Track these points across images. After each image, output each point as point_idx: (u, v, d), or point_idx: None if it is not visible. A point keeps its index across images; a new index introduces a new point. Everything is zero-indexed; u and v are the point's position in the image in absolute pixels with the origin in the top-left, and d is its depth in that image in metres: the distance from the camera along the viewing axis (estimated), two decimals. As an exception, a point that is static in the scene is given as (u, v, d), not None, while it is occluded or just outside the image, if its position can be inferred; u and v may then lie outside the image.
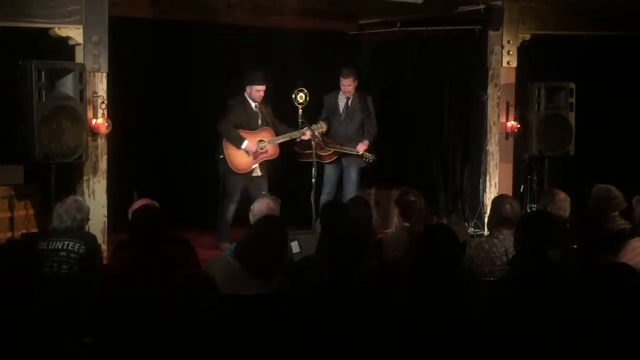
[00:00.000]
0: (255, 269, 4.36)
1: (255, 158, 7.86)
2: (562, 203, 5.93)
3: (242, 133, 7.84)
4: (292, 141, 8.11)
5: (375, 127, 8.52)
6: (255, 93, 7.87)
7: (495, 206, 5.31)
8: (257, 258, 4.39)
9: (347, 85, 8.36)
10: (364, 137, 8.41)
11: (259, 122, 7.97)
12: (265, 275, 4.35)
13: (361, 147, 8.28)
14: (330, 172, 8.44)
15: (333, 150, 8.27)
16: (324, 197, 8.18)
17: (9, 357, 3.25)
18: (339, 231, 4.49)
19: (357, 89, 8.45)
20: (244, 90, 7.93)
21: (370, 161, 8.28)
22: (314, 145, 7.83)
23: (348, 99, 8.46)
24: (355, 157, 8.34)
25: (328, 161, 8.33)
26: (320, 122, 8.16)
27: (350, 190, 8.36)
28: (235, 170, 7.83)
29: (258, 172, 7.93)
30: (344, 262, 3.87)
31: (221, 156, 7.85)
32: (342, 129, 8.39)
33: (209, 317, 3.30)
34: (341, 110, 8.47)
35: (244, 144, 7.80)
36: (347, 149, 8.29)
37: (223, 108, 7.96)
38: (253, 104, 7.94)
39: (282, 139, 7.90)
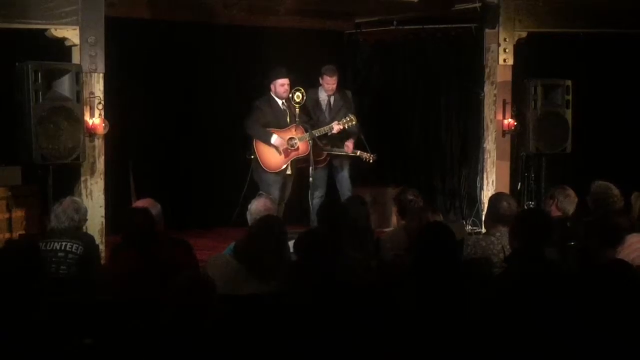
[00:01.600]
0: (254, 269, 4.36)
1: (286, 156, 7.80)
2: (571, 199, 5.98)
3: (273, 132, 7.79)
4: (323, 137, 8.00)
5: (358, 122, 8.22)
6: (280, 88, 7.79)
7: (493, 203, 5.33)
8: (255, 258, 4.39)
9: (332, 83, 8.17)
10: (349, 135, 8.20)
11: (288, 120, 7.88)
12: (264, 275, 4.35)
13: (349, 147, 8.15)
14: (320, 174, 8.13)
15: (326, 153, 8.15)
16: (316, 202, 7.90)
17: (9, 358, 3.26)
18: (313, 229, 4.52)
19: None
20: (269, 89, 7.87)
21: (371, 161, 8.16)
22: (311, 146, 7.79)
23: (330, 96, 8.27)
24: (345, 157, 8.23)
25: (322, 165, 8.11)
26: (350, 115, 8.01)
27: (346, 189, 8.26)
28: (267, 170, 7.78)
29: (289, 171, 7.87)
30: (320, 259, 3.90)
31: (252, 156, 7.79)
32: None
33: (208, 317, 3.30)
34: (324, 108, 8.28)
35: (273, 139, 7.73)
36: (341, 151, 8.16)
37: (250, 109, 7.89)
38: (280, 102, 7.87)
39: (312, 135, 7.77)
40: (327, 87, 8.21)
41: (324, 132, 7.91)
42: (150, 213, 4.87)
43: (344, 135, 8.16)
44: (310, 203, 7.78)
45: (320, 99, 8.29)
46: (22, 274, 3.49)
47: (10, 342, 3.26)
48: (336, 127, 7.93)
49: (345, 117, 8.00)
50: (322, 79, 8.22)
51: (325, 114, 8.25)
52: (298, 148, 7.83)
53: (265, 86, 7.97)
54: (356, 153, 8.16)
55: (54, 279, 4.83)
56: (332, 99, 8.30)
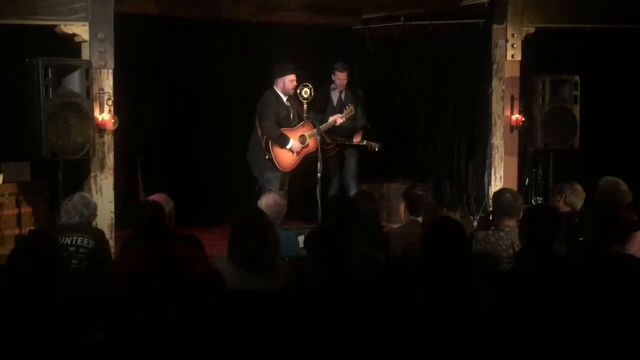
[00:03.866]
0: (247, 267, 4.27)
1: (298, 154, 7.91)
2: (579, 195, 6.01)
3: (284, 131, 7.87)
4: (330, 130, 8.24)
5: (366, 115, 8.71)
6: (289, 84, 7.85)
7: (496, 198, 5.39)
8: (245, 255, 4.30)
9: (343, 79, 8.52)
10: (358, 128, 8.59)
11: (292, 116, 7.97)
12: (260, 269, 4.28)
13: (357, 138, 8.49)
14: (332, 166, 8.61)
15: (335, 143, 8.42)
16: (332, 190, 8.47)
17: (21, 351, 3.28)
18: (322, 225, 4.49)
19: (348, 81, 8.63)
20: (274, 84, 7.91)
21: (377, 149, 8.45)
22: (319, 140, 7.86)
23: (341, 92, 8.61)
24: (353, 148, 8.57)
25: (331, 154, 8.46)
26: (349, 105, 8.27)
27: (352, 180, 8.60)
28: (282, 169, 7.85)
29: None
30: (329, 255, 3.91)
31: (267, 157, 7.81)
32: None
33: (217, 312, 3.32)
34: (335, 104, 8.61)
35: (290, 144, 7.82)
36: (348, 141, 8.49)
37: (259, 106, 7.91)
38: (284, 98, 7.92)
39: (320, 131, 7.89)
40: (338, 83, 8.55)
41: (329, 126, 8.11)
42: (161, 207, 4.88)
43: (352, 127, 8.50)
44: (318, 198, 7.81)
45: (331, 95, 8.62)
46: (44, 267, 3.51)
47: (23, 336, 3.29)
48: (339, 119, 8.17)
49: (345, 108, 8.26)
50: (334, 74, 8.55)
51: (336, 109, 8.51)
52: (308, 145, 7.95)
53: (269, 81, 8.00)
54: (362, 142, 8.49)
55: (65, 273, 4.85)
56: (342, 95, 8.62)
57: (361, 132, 8.54)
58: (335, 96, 8.64)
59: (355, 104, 8.48)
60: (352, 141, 8.48)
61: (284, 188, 7.88)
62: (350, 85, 8.68)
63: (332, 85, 8.62)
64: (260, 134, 7.88)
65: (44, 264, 3.51)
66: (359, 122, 8.60)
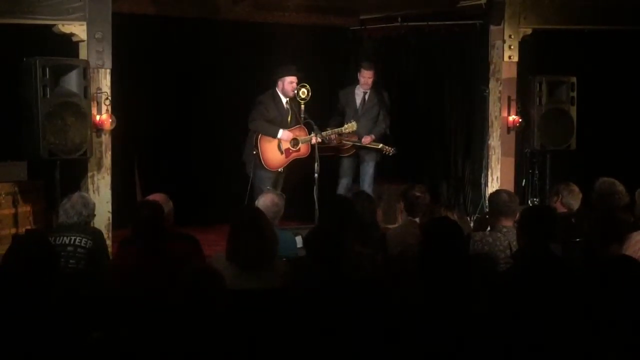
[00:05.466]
0: (246, 266, 4.27)
1: (287, 156, 7.86)
2: (575, 196, 6.04)
3: None
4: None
5: (388, 120, 8.56)
6: (288, 85, 7.80)
7: (492, 199, 5.42)
8: (243, 255, 4.30)
9: (369, 77, 8.37)
10: (373, 130, 8.46)
11: (289, 118, 7.92)
12: (258, 269, 4.28)
13: (366, 140, 8.34)
14: (346, 165, 8.52)
15: (352, 144, 8.37)
16: (341, 190, 8.35)
17: (19, 350, 3.28)
18: (322, 225, 4.49)
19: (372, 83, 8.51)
20: (275, 85, 7.88)
21: (391, 154, 8.40)
22: (315, 141, 7.84)
23: (365, 93, 8.48)
24: (372, 151, 8.45)
25: (347, 154, 8.45)
26: (352, 121, 8.14)
27: (367, 183, 8.49)
28: (267, 167, 7.82)
29: (281, 168, 7.97)
30: (329, 255, 3.92)
31: (254, 152, 7.79)
32: (358, 124, 8.27)
33: (217, 311, 3.33)
34: (358, 105, 8.50)
35: (280, 133, 7.76)
36: (364, 144, 8.40)
37: (254, 104, 7.92)
38: (284, 100, 7.88)
39: (317, 130, 7.82)
40: (363, 81, 8.41)
41: (327, 135, 7.98)
42: (160, 206, 4.90)
43: (371, 129, 8.43)
44: (315, 199, 7.81)
45: (355, 94, 8.51)
46: (37, 266, 3.51)
47: (21, 335, 3.29)
48: (333, 137, 8.10)
49: (347, 122, 8.14)
50: (359, 72, 8.44)
51: (358, 111, 8.46)
52: (299, 149, 7.90)
53: (269, 82, 7.99)
54: (377, 145, 8.37)
55: (63, 273, 4.85)
56: (366, 95, 8.49)
57: (372, 136, 8.38)
58: (359, 97, 8.51)
59: (378, 107, 8.43)
60: (372, 144, 8.37)
61: (278, 188, 7.87)
62: (375, 87, 8.51)
63: (357, 87, 8.50)
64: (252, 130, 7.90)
65: (35, 264, 3.51)
66: (379, 125, 8.48)
